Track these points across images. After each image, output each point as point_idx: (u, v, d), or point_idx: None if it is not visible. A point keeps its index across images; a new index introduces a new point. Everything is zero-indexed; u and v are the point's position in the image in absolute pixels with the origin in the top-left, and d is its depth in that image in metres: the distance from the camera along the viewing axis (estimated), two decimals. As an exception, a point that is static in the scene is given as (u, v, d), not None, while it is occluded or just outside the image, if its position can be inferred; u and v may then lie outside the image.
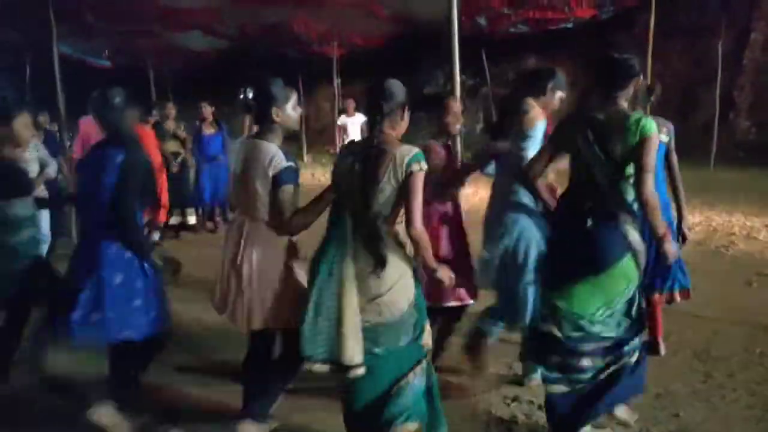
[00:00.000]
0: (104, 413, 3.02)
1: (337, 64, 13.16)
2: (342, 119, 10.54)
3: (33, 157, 5.46)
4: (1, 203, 3.42)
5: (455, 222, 3.54)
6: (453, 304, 3.45)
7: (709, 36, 12.20)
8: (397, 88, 2.65)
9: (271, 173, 2.73)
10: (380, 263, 2.54)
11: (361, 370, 2.58)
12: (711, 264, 5.80)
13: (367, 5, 11.50)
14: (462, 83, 5.65)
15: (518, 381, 3.55)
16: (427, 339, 2.74)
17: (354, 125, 10.28)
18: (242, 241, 2.82)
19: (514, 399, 3.36)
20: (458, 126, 3.56)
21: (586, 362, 2.83)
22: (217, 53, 15.29)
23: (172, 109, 7.83)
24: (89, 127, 6.29)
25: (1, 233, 3.41)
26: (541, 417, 3.14)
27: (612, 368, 2.83)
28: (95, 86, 3.20)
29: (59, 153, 6.72)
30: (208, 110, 8.11)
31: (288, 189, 2.75)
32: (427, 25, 12.23)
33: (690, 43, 13.27)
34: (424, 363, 2.70)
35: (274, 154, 2.75)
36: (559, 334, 2.84)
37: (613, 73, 2.81)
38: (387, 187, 2.54)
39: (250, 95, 2.86)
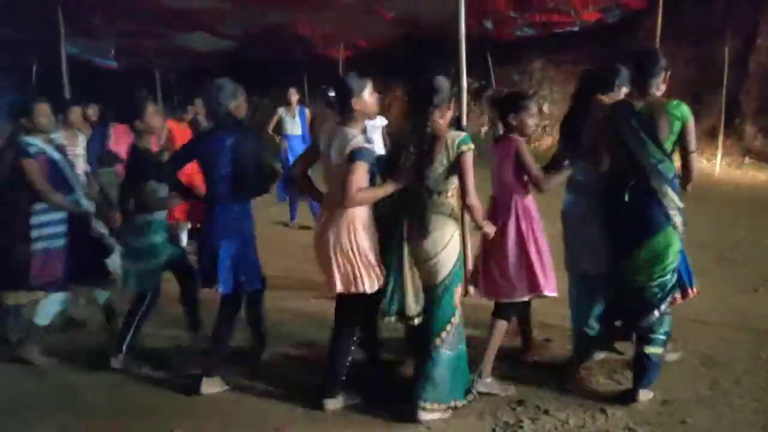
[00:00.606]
0: (212, 384, 3.48)
1: (342, 66, 13.15)
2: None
3: (82, 153, 5.30)
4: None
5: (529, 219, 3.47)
6: (524, 298, 3.47)
7: (716, 40, 12.15)
8: (444, 83, 3.07)
9: (347, 150, 2.98)
10: (425, 228, 3.00)
11: (417, 321, 3.09)
12: (717, 269, 5.77)
13: (371, 7, 11.48)
14: (467, 86, 5.64)
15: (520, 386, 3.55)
16: (457, 299, 3.15)
17: (375, 127, 10.04)
18: (329, 216, 3.13)
19: (520, 403, 3.35)
20: (534, 126, 3.56)
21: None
22: (222, 54, 15.28)
23: (201, 108, 7.68)
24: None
25: (142, 236, 3.76)
26: (547, 421, 3.14)
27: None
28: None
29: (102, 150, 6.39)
30: None
31: (359, 165, 2.98)
32: (432, 28, 12.23)
33: (696, 48, 13.22)
34: (453, 327, 3.12)
35: (354, 135, 3.06)
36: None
37: (647, 65, 3.21)
38: (439, 167, 3.02)
39: (331, 93, 3.18)
